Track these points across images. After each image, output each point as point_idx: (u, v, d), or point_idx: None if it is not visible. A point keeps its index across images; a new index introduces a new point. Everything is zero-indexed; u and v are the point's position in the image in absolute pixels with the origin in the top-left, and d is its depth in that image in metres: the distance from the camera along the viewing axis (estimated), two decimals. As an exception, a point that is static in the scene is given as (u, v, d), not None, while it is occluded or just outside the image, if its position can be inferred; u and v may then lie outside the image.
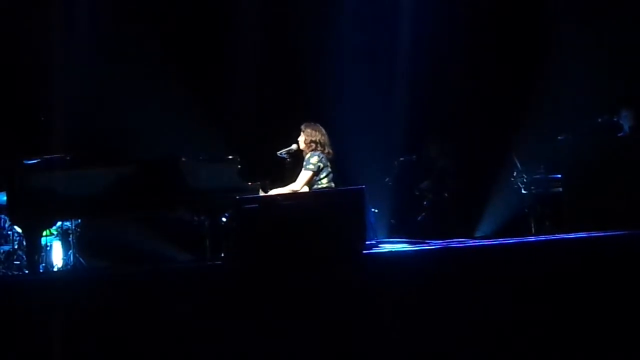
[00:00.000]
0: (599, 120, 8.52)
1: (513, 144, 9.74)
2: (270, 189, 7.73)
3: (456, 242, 6.81)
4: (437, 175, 10.29)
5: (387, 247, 6.74)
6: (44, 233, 8.22)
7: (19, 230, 8.36)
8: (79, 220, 8.92)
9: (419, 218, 10.16)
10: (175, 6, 10.84)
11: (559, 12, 10.15)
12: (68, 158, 7.45)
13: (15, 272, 8.43)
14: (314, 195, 7.06)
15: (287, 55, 10.90)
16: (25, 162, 7.34)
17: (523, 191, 9.34)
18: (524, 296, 5.39)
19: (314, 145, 7.74)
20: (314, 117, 8.15)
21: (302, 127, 7.86)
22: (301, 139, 7.83)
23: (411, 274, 5.61)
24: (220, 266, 6.59)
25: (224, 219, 7.83)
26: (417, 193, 10.29)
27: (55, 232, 8.91)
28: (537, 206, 9.14)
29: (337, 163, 7.99)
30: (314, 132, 7.79)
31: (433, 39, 10.66)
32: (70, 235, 8.91)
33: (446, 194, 10.16)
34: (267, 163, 8.24)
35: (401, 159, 10.38)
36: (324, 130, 7.84)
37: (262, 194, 7.54)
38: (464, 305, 5.43)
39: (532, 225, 9.10)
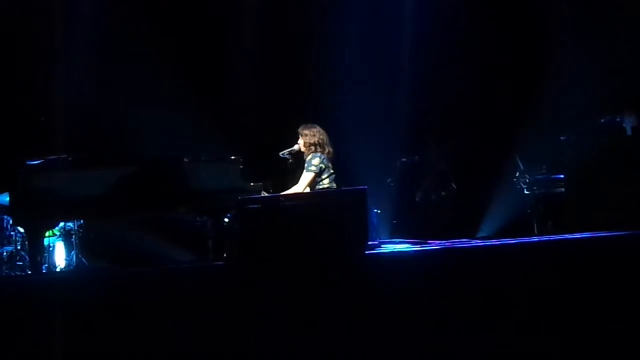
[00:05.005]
0: (602, 120, 8.52)
1: (515, 144, 9.74)
2: (273, 190, 7.73)
3: (458, 243, 6.81)
4: (437, 176, 10.28)
5: (389, 248, 6.75)
6: (47, 234, 8.21)
7: (21, 230, 8.37)
8: (82, 221, 8.92)
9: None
10: (176, 6, 10.84)
11: (560, 12, 10.15)
12: (70, 159, 7.45)
13: (18, 273, 8.44)
14: (316, 196, 7.06)
15: (289, 55, 10.91)
16: (27, 162, 7.34)
17: (525, 191, 9.34)
18: (526, 296, 5.39)
19: (313, 148, 7.74)
20: (316, 118, 8.15)
21: (300, 129, 7.86)
22: (300, 141, 7.83)
23: (413, 274, 5.61)
24: (222, 266, 6.59)
25: (226, 220, 7.84)
26: (417, 200, 10.27)
27: (57, 233, 8.91)
28: (540, 206, 9.13)
29: (339, 164, 7.99)
30: (312, 133, 7.79)
31: (435, 39, 10.66)
32: (73, 236, 8.91)
33: (446, 195, 10.16)
34: (270, 164, 8.24)
35: (403, 159, 10.39)
36: (322, 130, 7.84)
37: (264, 194, 7.55)
38: (466, 305, 5.43)
39: (535, 225, 9.10)
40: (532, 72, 10.17)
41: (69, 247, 8.97)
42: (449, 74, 10.60)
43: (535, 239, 6.63)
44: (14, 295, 6.06)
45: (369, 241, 6.26)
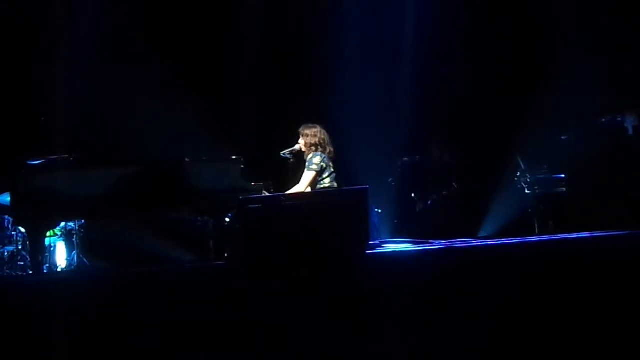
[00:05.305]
0: (603, 120, 8.51)
1: (516, 144, 9.74)
2: (274, 190, 7.74)
3: (459, 242, 6.81)
4: (440, 171, 10.29)
5: (390, 247, 6.75)
6: (48, 234, 8.21)
7: (22, 230, 8.37)
8: (83, 221, 8.92)
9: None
10: (177, 6, 10.84)
11: (562, 11, 10.15)
12: (71, 159, 7.45)
13: (19, 273, 8.44)
14: (317, 195, 7.07)
15: (291, 54, 10.91)
16: (28, 162, 7.35)
17: (526, 191, 9.35)
18: (527, 296, 5.39)
19: (314, 148, 7.75)
20: (317, 117, 8.16)
21: (300, 130, 7.87)
22: (301, 141, 7.84)
23: (414, 274, 5.61)
24: (223, 266, 6.59)
25: (227, 219, 7.84)
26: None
27: (59, 233, 8.91)
28: (541, 206, 9.14)
29: (341, 163, 8.00)
30: (312, 133, 7.80)
31: (436, 39, 10.67)
32: (74, 236, 8.91)
33: (448, 194, 10.16)
34: (271, 163, 8.25)
35: (404, 159, 10.39)
36: (323, 130, 7.84)
37: (265, 194, 7.55)
38: (467, 305, 5.43)
39: (536, 225, 9.10)
40: (533, 71, 10.16)
41: (70, 247, 8.97)
42: (449, 74, 10.60)
43: (536, 238, 6.63)
44: (15, 296, 6.06)
45: (370, 241, 6.26)
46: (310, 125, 7.88)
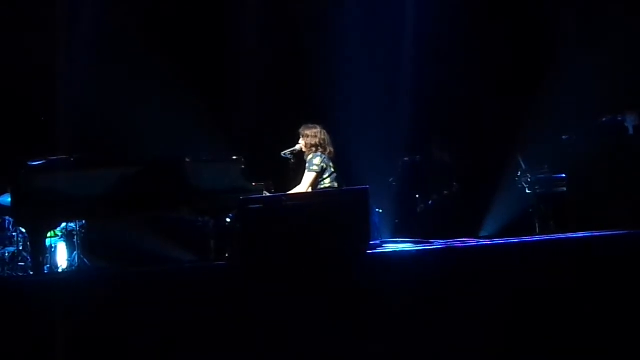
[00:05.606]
0: (603, 120, 8.52)
1: (517, 144, 9.74)
2: (275, 190, 7.74)
3: (460, 242, 6.81)
4: (440, 171, 10.30)
5: (391, 247, 6.76)
6: (49, 234, 8.21)
7: (23, 231, 8.37)
8: (84, 222, 8.93)
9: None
10: (177, 6, 10.84)
11: (562, 11, 10.15)
12: (72, 159, 7.46)
13: (20, 274, 8.44)
14: (318, 196, 7.07)
15: (291, 54, 10.91)
16: (29, 163, 7.35)
17: (527, 191, 9.35)
18: (528, 296, 5.40)
19: (314, 148, 7.76)
20: (318, 117, 8.16)
21: (301, 130, 7.87)
22: (302, 142, 7.84)
23: (415, 273, 5.62)
24: (224, 267, 6.59)
25: (228, 220, 7.84)
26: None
27: (59, 234, 8.91)
28: (541, 206, 9.14)
29: (341, 163, 8.00)
30: (313, 134, 7.80)
31: (436, 39, 10.67)
32: (75, 237, 8.91)
33: (449, 194, 10.17)
34: (271, 164, 8.25)
35: (405, 159, 10.40)
36: (323, 130, 7.84)
37: (266, 194, 7.55)
38: (467, 305, 5.43)
39: (537, 225, 9.10)
40: (534, 70, 10.16)
41: (70, 247, 8.97)
42: (450, 73, 10.60)
43: (537, 238, 6.64)
44: (16, 296, 6.06)
45: (371, 241, 6.26)
46: (311, 125, 7.88)
